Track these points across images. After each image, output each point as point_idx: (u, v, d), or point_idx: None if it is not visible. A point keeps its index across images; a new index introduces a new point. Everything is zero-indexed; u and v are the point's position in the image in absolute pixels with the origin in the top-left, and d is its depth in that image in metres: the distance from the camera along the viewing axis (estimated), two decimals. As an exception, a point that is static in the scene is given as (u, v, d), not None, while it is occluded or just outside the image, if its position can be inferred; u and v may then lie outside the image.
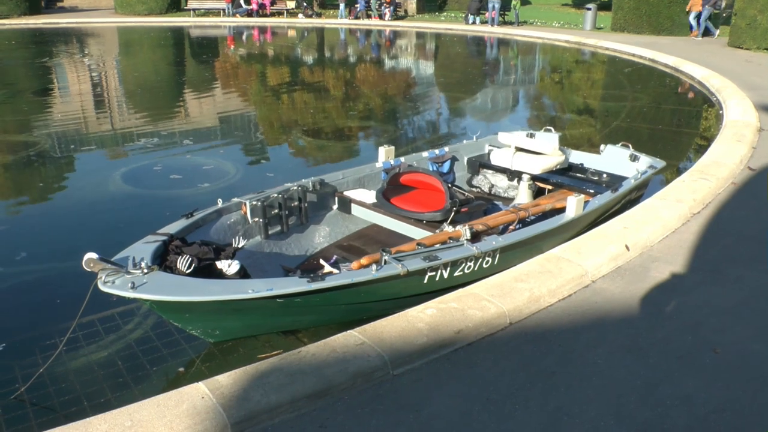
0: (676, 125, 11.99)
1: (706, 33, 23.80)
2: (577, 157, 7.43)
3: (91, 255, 3.79)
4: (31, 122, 11.83)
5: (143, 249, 4.20)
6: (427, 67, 20.74)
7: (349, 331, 3.82)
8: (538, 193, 6.81)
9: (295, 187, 5.60)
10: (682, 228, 5.82)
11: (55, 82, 16.73)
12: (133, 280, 3.75)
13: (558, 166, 6.93)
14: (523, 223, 5.62)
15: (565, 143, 7.52)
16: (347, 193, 6.02)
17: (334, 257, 5.45)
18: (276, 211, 5.43)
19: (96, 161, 9.45)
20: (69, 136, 10.72)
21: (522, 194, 6.74)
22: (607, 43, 22.30)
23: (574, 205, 5.38)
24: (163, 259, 4.20)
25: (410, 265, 4.27)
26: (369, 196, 5.93)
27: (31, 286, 5.40)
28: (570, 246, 5.14)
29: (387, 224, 5.64)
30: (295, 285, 3.89)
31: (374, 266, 4.15)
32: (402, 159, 6.59)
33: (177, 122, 12.05)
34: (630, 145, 7.25)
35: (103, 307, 4.76)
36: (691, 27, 23.75)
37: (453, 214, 5.49)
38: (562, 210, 5.57)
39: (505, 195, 7.06)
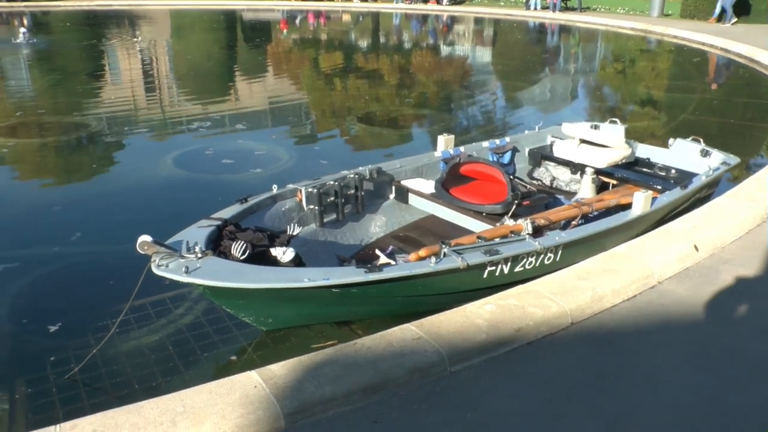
0: (749, 119, 11.62)
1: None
2: (643, 151, 7.26)
3: (145, 238, 3.85)
4: (84, 104, 12.14)
5: (197, 233, 4.25)
6: (485, 54, 20.56)
7: (405, 325, 3.81)
8: (601, 187, 6.68)
9: (352, 175, 5.62)
10: (756, 229, 5.62)
11: (107, 65, 17.13)
12: (186, 265, 3.80)
13: (624, 160, 6.79)
14: (586, 218, 5.53)
15: (630, 136, 7.34)
16: (405, 183, 6.00)
17: (390, 248, 5.45)
18: (332, 198, 5.45)
19: (148, 145, 9.64)
20: (121, 119, 10.96)
21: (585, 188, 6.62)
22: (675, 31, 21.72)
23: (641, 201, 5.26)
24: (216, 245, 4.25)
25: (470, 258, 4.24)
26: (427, 186, 5.91)
27: (85, 267, 5.54)
28: (635, 244, 5.03)
29: (445, 215, 5.62)
30: (353, 275, 3.90)
31: (433, 259, 4.13)
32: (461, 148, 6.55)
33: (229, 106, 12.22)
34: (701, 140, 7.05)
35: (155, 291, 4.83)
36: (715, 12, 23.19)
37: (514, 207, 5.42)
38: (627, 206, 5.46)
39: (567, 189, 6.95)
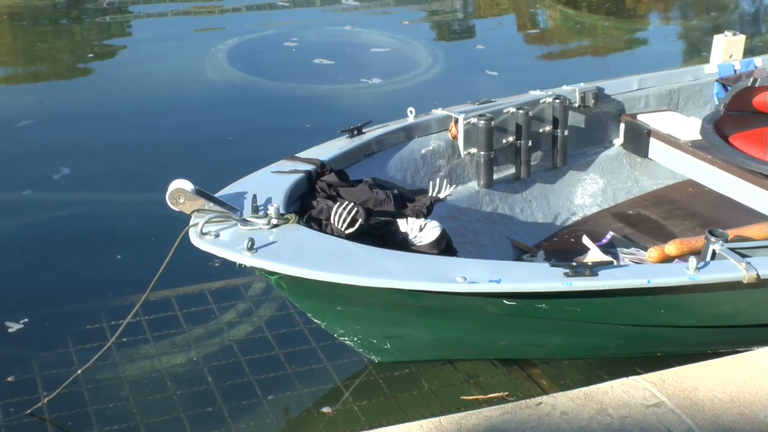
0: None
1: None
2: None
3: (182, 184, 3.90)
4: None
5: (271, 183, 4.30)
6: None
7: (631, 378, 3.79)
8: None
9: (549, 99, 5.57)
10: None
11: None
12: (251, 236, 3.84)
13: None
14: None
15: None
16: (643, 119, 5.93)
17: (610, 234, 5.43)
18: (510, 139, 5.43)
19: (181, 24, 9.94)
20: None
21: None
22: None
23: None
24: (304, 204, 4.31)
25: (762, 266, 4.12)
26: (686, 126, 5.81)
27: (75, 226, 5.74)
28: None
29: (717, 184, 5.51)
30: (541, 278, 3.85)
31: (692, 260, 4.03)
32: (757, 60, 6.39)
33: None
34: None
35: (190, 278, 4.97)
36: None
37: None
38: None
39: None
